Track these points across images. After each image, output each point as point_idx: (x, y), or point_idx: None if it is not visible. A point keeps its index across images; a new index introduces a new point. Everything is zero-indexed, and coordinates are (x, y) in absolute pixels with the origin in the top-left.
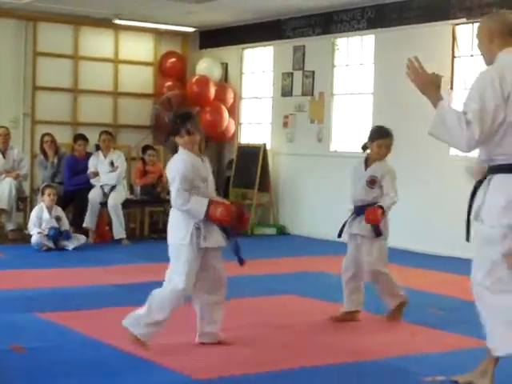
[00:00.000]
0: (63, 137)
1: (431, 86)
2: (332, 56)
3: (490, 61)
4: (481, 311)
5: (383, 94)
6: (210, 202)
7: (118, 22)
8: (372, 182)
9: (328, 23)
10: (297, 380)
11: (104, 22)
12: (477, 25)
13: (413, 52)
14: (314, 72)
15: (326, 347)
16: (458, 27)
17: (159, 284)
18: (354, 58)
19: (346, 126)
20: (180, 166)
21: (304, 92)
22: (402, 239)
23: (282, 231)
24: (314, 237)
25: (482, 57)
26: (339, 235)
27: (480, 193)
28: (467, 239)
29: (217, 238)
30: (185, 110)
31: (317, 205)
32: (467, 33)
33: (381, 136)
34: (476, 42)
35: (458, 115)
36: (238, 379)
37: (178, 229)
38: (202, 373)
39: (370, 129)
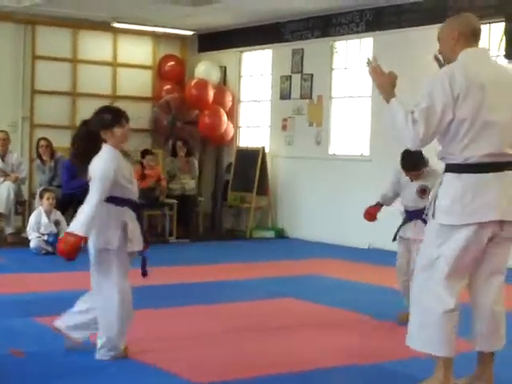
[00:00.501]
0: (62, 140)
1: (387, 84)
2: (330, 59)
3: (449, 60)
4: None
5: (380, 96)
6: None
7: (116, 25)
8: (422, 192)
9: (327, 26)
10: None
11: (102, 26)
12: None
13: (411, 55)
14: (312, 75)
15: (325, 350)
16: None
17: (157, 287)
18: (352, 61)
19: (345, 128)
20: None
21: (303, 95)
22: None
23: (280, 234)
24: (312, 240)
25: (443, 57)
26: (394, 239)
27: (433, 190)
28: None
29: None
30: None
31: (315, 208)
32: None
33: None
34: (437, 44)
35: (405, 113)
36: (238, 382)
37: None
38: (200, 376)
39: None
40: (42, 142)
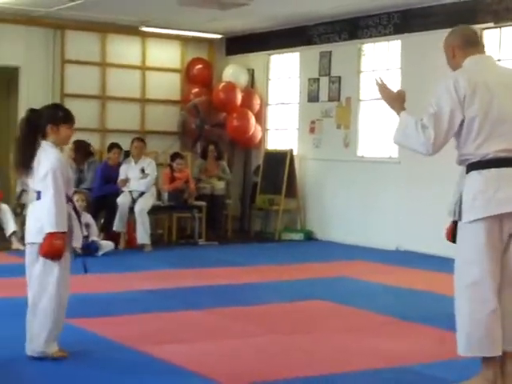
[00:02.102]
0: (92, 143)
1: (396, 101)
2: (358, 61)
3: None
4: None
5: (410, 98)
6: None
7: (144, 29)
8: None
9: (354, 29)
10: None
11: (131, 30)
12: (504, 29)
13: (439, 57)
14: (340, 77)
15: (354, 353)
16: (485, 31)
17: (186, 290)
18: (380, 64)
19: (373, 131)
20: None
21: (330, 97)
22: (433, 245)
23: (309, 236)
24: (341, 242)
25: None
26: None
27: (458, 191)
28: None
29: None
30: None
31: (344, 210)
32: (494, 37)
33: None
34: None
35: (415, 121)
36: None
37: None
38: (230, 379)
39: None
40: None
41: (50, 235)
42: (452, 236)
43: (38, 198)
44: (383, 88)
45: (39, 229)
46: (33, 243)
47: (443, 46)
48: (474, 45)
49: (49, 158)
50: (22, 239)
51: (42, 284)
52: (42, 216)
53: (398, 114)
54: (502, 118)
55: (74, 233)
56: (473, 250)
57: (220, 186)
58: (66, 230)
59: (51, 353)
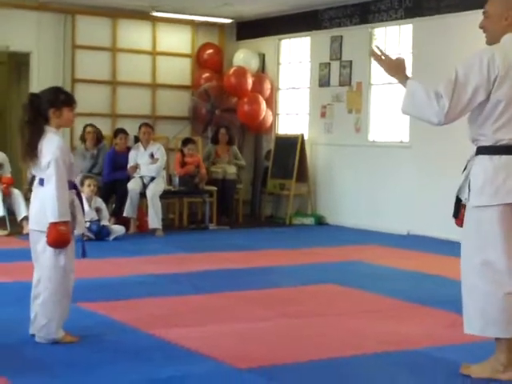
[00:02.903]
0: (102, 129)
1: (396, 69)
2: (369, 46)
3: (493, 41)
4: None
5: (421, 83)
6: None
7: (155, 14)
8: None
9: (365, 13)
10: (335, 369)
11: (141, 14)
12: None
13: (451, 41)
14: (351, 62)
15: (366, 337)
16: None
17: (199, 274)
18: (391, 48)
19: (384, 115)
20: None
21: (341, 82)
22: (445, 229)
23: (320, 221)
24: (351, 226)
25: (486, 35)
26: None
27: (465, 173)
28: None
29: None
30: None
31: (354, 194)
32: None
33: None
34: (477, 30)
35: (426, 90)
36: (279, 368)
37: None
38: (243, 362)
39: None
40: (89, 129)
41: (54, 224)
42: (462, 221)
43: (42, 184)
44: (380, 57)
45: (41, 216)
46: (34, 230)
47: (496, 5)
48: None
49: (50, 147)
50: None
51: (49, 272)
52: (45, 204)
53: (403, 82)
54: None
55: (77, 219)
56: (484, 232)
57: (231, 170)
58: (69, 218)
59: (60, 338)
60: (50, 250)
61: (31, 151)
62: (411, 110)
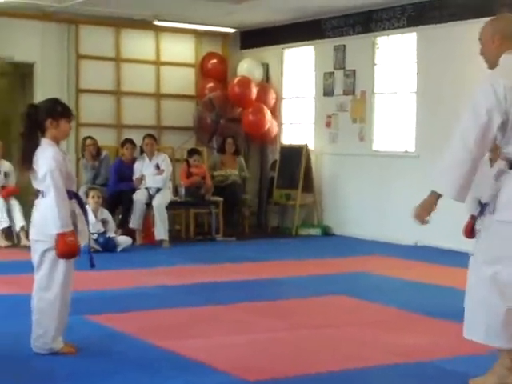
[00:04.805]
0: (107, 139)
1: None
2: (372, 55)
3: (493, 64)
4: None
5: (426, 92)
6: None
7: (158, 23)
8: None
9: (368, 22)
10: (344, 382)
11: (144, 24)
12: None
13: (454, 49)
14: (354, 71)
15: (375, 348)
16: None
17: (206, 285)
18: (395, 57)
19: (388, 124)
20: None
21: (345, 91)
22: (453, 240)
23: (326, 232)
24: (358, 237)
25: (485, 61)
26: None
27: (495, 187)
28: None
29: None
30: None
31: (360, 205)
32: None
33: None
34: (479, 46)
35: (452, 145)
36: (288, 380)
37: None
38: (252, 374)
39: None
40: (88, 141)
41: (62, 236)
42: (470, 232)
43: (42, 195)
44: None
45: (40, 227)
46: (33, 240)
47: (484, 31)
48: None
49: (45, 158)
50: None
51: (47, 282)
52: (46, 215)
53: (434, 193)
54: None
55: (78, 230)
56: (506, 247)
57: (235, 172)
58: (72, 228)
59: (59, 348)
60: (47, 260)
61: (27, 162)
62: (454, 176)
